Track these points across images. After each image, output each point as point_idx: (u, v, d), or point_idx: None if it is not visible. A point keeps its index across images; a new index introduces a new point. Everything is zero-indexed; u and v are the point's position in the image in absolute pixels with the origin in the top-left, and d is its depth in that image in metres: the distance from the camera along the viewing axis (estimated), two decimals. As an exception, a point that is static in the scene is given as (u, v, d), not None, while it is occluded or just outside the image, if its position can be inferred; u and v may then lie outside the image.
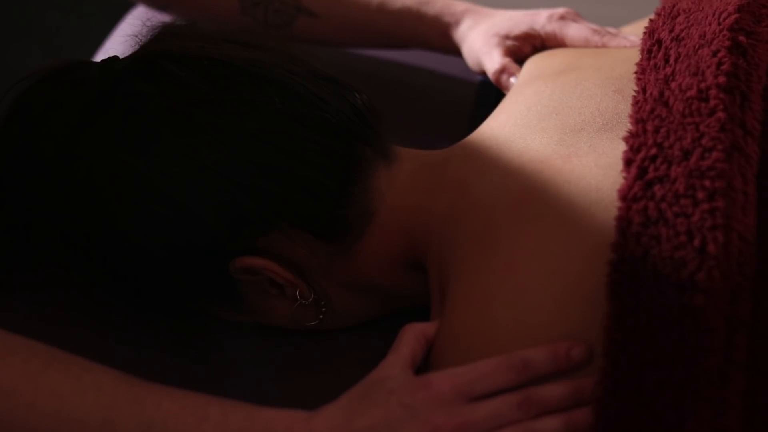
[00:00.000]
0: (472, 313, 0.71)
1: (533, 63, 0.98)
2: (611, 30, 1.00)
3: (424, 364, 0.73)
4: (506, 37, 1.01)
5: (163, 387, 0.68)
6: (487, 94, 1.11)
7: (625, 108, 0.78)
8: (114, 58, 0.79)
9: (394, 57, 1.02)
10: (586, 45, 0.97)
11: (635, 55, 0.82)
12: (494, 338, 0.69)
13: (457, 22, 1.05)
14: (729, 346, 0.63)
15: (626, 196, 0.68)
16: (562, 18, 1.00)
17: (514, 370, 0.67)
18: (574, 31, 0.99)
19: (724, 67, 0.72)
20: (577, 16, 1.02)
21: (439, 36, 1.06)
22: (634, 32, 0.99)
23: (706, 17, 0.78)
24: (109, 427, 0.64)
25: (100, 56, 1.05)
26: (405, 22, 1.07)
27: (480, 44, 1.02)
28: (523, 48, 1.01)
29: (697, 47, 0.75)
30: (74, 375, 0.66)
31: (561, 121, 0.80)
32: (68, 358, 0.67)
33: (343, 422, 0.66)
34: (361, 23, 1.08)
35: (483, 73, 1.04)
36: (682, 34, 0.78)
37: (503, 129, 0.83)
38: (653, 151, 0.69)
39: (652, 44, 0.79)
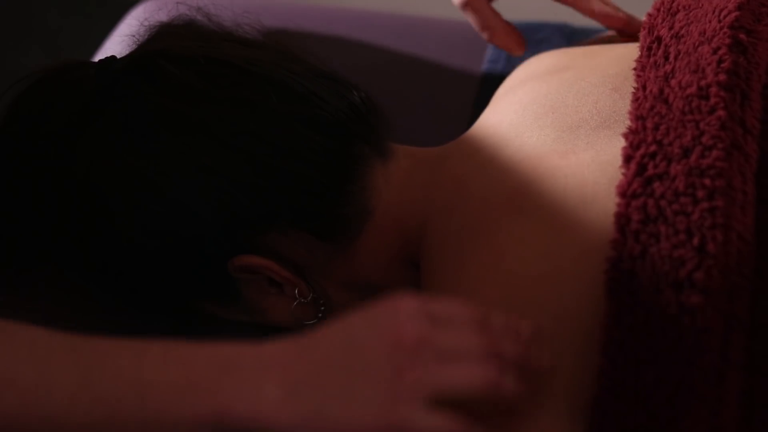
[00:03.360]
0: (461, 295, 0.71)
1: (525, 65, 0.97)
2: None
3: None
4: None
5: (102, 337, 0.63)
6: (487, 92, 1.11)
7: (623, 106, 0.78)
8: (111, 58, 0.79)
9: (393, 55, 1.02)
10: None
11: (630, 53, 0.81)
12: None
13: None
14: (726, 346, 0.63)
15: (625, 193, 0.68)
16: None
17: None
18: None
19: (725, 64, 0.72)
20: None
21: None
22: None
23: (706, 14, 0.77)
24: (44, 381, 0.60)
25: (100, 56, 1.05)
26: None
27: None
28: None
29: (697, 44, 0.75)
30: (7, 334, 0.62)
31: (558, 119, 0.80)
32: (2, 322, 0.63)
33: (294, 341, 0.63)
34: None
35: None
36: (682, 32, 0.78)
37: (499, 127, 0.83)
38: (653, 148, 0.69)
39: (652, 41, 0.79)
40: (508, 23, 0.96)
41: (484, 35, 0.96)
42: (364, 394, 0.59)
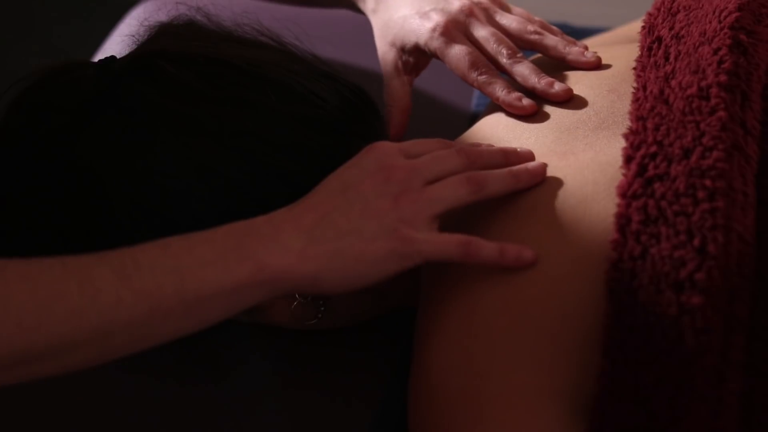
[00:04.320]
0: (460, 300, 0.71)
1: None
2: (506, 50, 0.86)
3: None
4: (402, 49, 0.92)
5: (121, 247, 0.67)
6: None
7: (621, 107, 0.78)
8: (111, 58, 0.79)
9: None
10: (462, 79, 0.87)
11: (627, 54, 0.82)
12: (483, 318, 0.69)
13: None
14: (726, 347, 0.63)
15: (626, 193, 0.68)
16: (446, 33, 0.87)
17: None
18: (452, 57, 0.86)
19: (726, 65, 0.72)
20: (471, 23, 0.88)
21: (353, 8, 1.00)
22: (631, 31, 0.98)
23: (706, 15, 0.77)
24: (88, 287, 0.63)
25: (100, 56, 1.05)
26: None
27: (380, 50, 0.95)
28: (419, 62, 0.93)
29: (697, 45, 0.75)
30: (35, 261, 0.64)
31: (555, 122, 0.80)
32: (22, 259, 0.65)
33: (295, 203, 0.70)
34: None
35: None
36: (682, 32, 0.78)
37: (497, 128, 0.83)
38: (653, 148, 0.69)
39: (652, 41, 0.79)
40: (407, 111, 0.93)
41: (391, 103, 0.93)
42: (372, 227, 0.68)
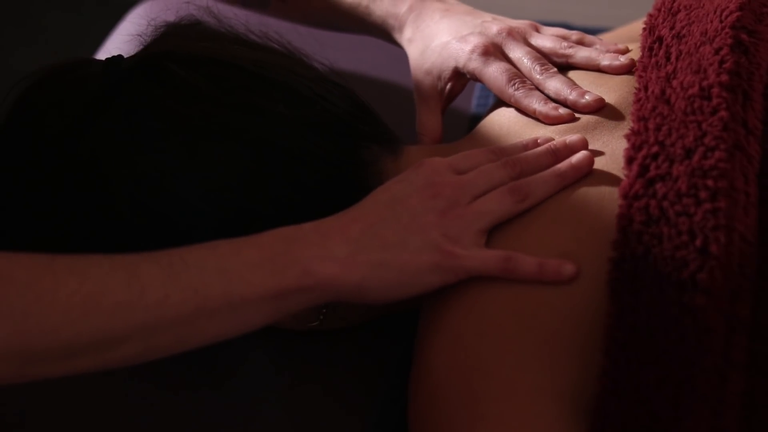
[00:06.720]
0: (466, 299, 0.71)
1: None
2: (539, 66, 0.87)
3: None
4: (439, 78, 0.92)
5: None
6: (487, 92, 1.11)
7: None
8: (118, 57, 0.78)
9: (393, 56, 1.02)
10: (499, 95, 0.87)
11: (631, 54, 0.81)
12: (491, 317, 0.69)
13: (401, 27, 0.97)
14: (728, 347, 0.63)
15: (627, 194, 0.68)
16: (485, 53, 0.88)
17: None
18: (491, 74, 0.87)
19: (727, 65, 0.72)
20: (507, 44, 0.89)
21: (388, 37, 1.01)
22: (632, 31, 0.98)
23: (707, 14, 0.77)
24: (135, 283, 0.63)
25: (100, 55, 1.05)
26: (353, 23, 1.03)
27: (415, 78, 0.95)
28: (455, 87, 0.93)
29: (698, 45, 0.75)
30: (82, 257, 0.65)
31: (576, 121, 0.80)
32: (66, 254, 0.65)
33: (343, 212, 0.71)
34: (320, 15, 1.06)
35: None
36: (683, 32, 0.78)
37: (515, 125, 0.83)
38: (655, 149, 0.69)
39: (653, 41, 0.79)
40: (438, 142, 0.94)
41: (423, 132, 0.94)
42: (416, 241, 0.70)
